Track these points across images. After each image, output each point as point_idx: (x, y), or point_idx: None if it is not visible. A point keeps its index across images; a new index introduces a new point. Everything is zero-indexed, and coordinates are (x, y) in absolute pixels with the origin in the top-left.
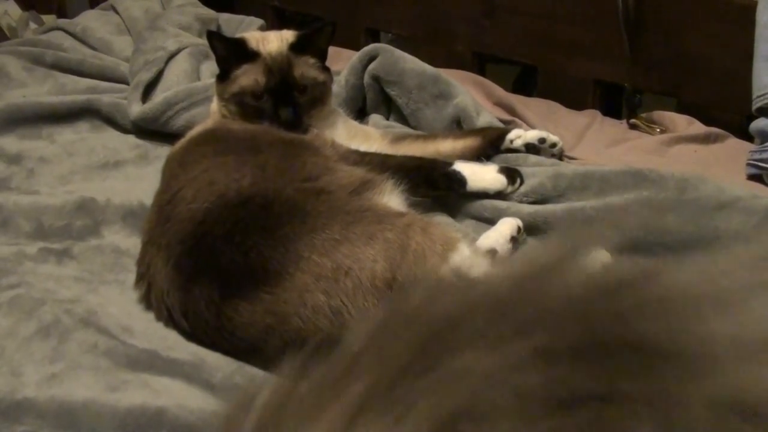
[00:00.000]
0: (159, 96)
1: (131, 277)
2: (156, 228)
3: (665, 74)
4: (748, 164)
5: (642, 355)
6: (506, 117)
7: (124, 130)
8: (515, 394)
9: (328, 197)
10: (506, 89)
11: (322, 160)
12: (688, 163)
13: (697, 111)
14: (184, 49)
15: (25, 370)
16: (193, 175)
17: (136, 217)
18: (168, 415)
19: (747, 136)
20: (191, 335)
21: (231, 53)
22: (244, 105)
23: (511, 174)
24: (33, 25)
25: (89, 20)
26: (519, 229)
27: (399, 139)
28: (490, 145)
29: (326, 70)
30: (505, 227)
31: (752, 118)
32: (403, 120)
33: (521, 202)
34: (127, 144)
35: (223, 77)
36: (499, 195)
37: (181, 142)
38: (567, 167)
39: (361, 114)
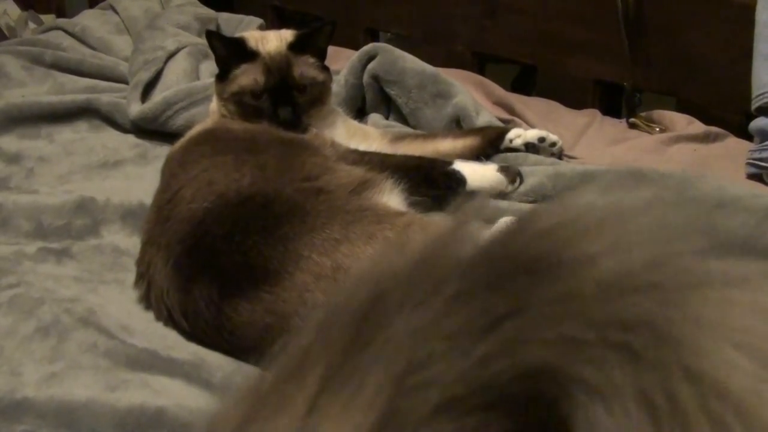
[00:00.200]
0: (158, 95)
1: (131, 276)
2: (155, 227)
3: (665, 73)
4: (748, 163)
5: (539, 271)
6: (506, 116)
7: (123, 129)
8: (445, 337)
9: (328, 197)
10: (505, 89)
11: (322, 160)
12: (688, 163)
13: (696, 110)
14: (183, 48)
15: (25, 369)
16: (193, 174)
17: (136, 217)
18: (168, 415)
19: (746, 136)
20: (191, 335)
21: (230, 53)
22: (244, 104)
23: (511, 173)
24: (32, 25)
25: (88, 20)
26: None
27: (398, 138)
28: (490, 145)
29: (326, 69)
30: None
31: (752, 117)
32: (403, 119)
33: (521, 201)
34: (126, 143)
35: (222, 77)
36: (499, 194)
37: (181, 142)
38: (567, 166)
39: (360, 113)
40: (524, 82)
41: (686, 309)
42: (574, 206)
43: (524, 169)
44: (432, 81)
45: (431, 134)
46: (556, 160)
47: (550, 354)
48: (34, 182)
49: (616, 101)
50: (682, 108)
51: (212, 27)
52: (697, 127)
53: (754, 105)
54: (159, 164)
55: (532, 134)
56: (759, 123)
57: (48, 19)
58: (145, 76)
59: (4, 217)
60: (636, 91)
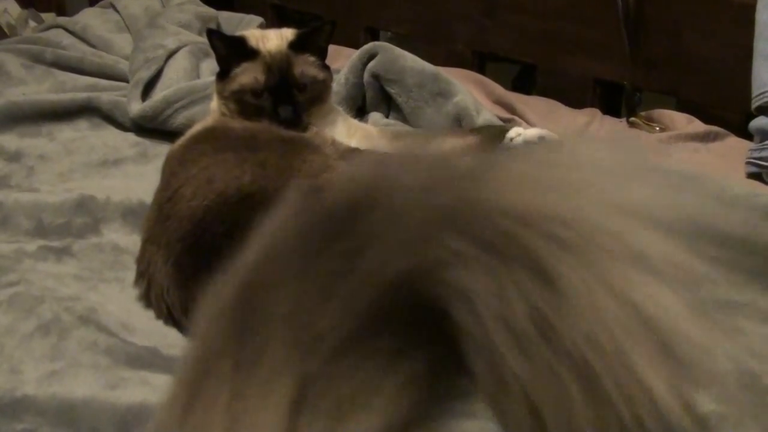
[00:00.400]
0: (159, 94)
1: (131, 275)
2: (156, 226)
3: (665, 73)
4: (748, 162)
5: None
6: (506, 115)
7: (123, 128)
8: (319, 290)
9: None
10: (505, 88)
11: (323, 158)
12: (688, 162)
13: (696, 109)
14: (183, 47)
15: (25, 367)
16: (193, 172)
17: (136, 215)
18: None
19: (746, 135)
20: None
21: (231, 51)
22: (244, 103)
23: None
24: (32, 23)
25: (89, 18)
26: None
27: (399, 137)
28: (490, 144)
29: (326, 68)
30: None
31: (752, 116)
32: (403, 118)
33: None
34: (126, 142)
35: (222, 75)
36: None
37: (181, 140)
38: None
39: (360, 112)
40: (524, 81)
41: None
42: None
43: None
44: (432, 80)
45: (431, 133)
46: None
47: (408, 266)
48: (35, 180)
49: (617, 100)
50: (682, 107)
51: (213, 25)
52: (697, 126)
53: (754, 104)
54: (159, 163)
55: (532, 133)
56: (759, 122)
57: (48, 17)
58: (145, 74)
59: (5, 216)
60: (636, 90)
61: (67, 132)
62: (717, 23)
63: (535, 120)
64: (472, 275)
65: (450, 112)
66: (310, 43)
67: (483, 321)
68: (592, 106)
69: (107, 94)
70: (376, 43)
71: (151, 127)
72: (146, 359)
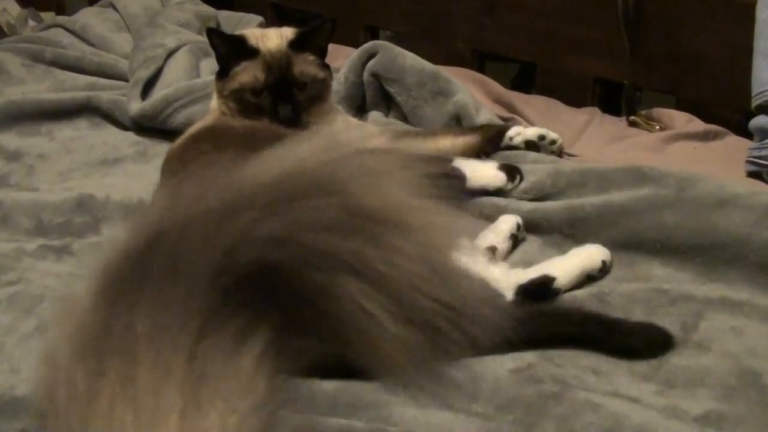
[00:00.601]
0: (158, 93)
1: None
2: None
3: (664, 71)
4: (748, 161)
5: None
6: (506, 114)
7: (123, 127)
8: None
9: None
10: (505, 87)
11: None
12: (687, 161)
13: (696, 108)
14: (183, 46)
15: (24, 366)
16: (192, 170)
17: (136, 214)
18: None
19: (746, 134)
20: None
21: (230, 50)
22: (244, 102)
23: (511, 171)
24: (32, 23)
25: (88, 17)
26: (518, 226)
27: (398, 136)
28: (490, 143)
29: (326, 67)
30: (505, 224)
31: (751, 115)
32: (403, 117)
33: (521, 199)
34: (126, 141)
35: (222, 74)
36: (499, 192)
37: (181, 139)
38: (566, 164)
39: (360, 111)
40: (524, 81)
41: None
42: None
43: (524, 167)
44: (432, 79)
45: (431, 132)
46: (556, 158)
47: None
48: (34, 179)
49: (616, 99)
50: (682, 106)
51: (212, 24)
52: (697, 125)
53: (754, 103)
54: (159, 162)
55: (532, 132)
56: (759, 121)
57: (48, 16)
58: (145, 73)
59: (4, 215)
60: (636, 89)
61: (66, 131)
62: (717, 22)
63: (534, 119)
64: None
65: (450, 111)
66: (310, 41)
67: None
68: (591, 105)
69: (107, 93)
70: (376, 42)
71: (151, 126)
72: None
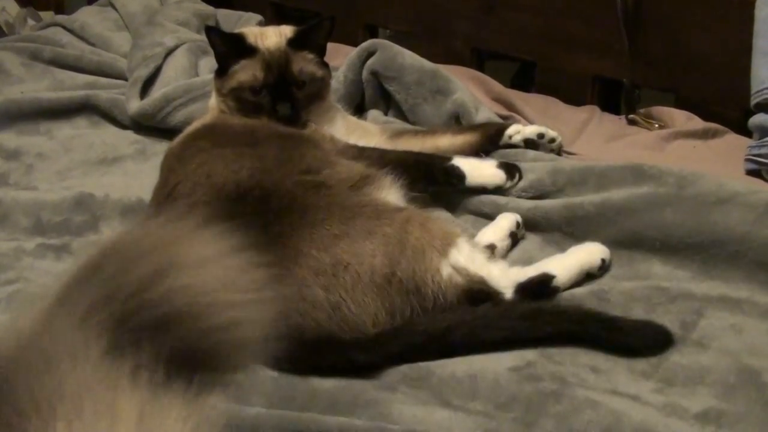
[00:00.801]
0: (157, 92)
1: None
2: None
3: (664, 70)
4: (747, 159)
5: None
6: (505, 113)
7: (122, 126)
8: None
9: (328, 192)
10: (504, 86)
11: (322, 153)
12: (687, 159)
13: (695, 106)
14: (182, 44)
15: None
16: (191, 168)
17: (135, 213)
18: None
19: (746, 132)
20: None
21: (229, 48)
22: (243, 100)
23: (510, 169)
24: (31, 22)
25: (87, 16)
26: (518, 224)
27: (398, 134)
28: (489, 141)
29: (325, 65)
30: (504, 222)
31: (751, 113)
32: (402, 116)
33: (520, 197)
34: (125, 140)
35: (221, 72)
36: (498, 190)
37: (180, 137)
38: (566, 162)
39: (359, 110)
40: (523, 80)
41: None
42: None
43: (523, 165)
44: (431, 77)
45: (430, 130)
46: (556, 156)
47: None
48: (33, 178)
49: (616, 97)
50: (682, 104)
51: (211, 23)
52: (697, 123)
53: (753, 101)
54: (158, 160)
55: (531, 130)
56: (758, 119)
57: (47, 16)
58: (144, 72)
59: (3, 213)
60: (635, 88)
61: (65, 130)
62: (716, 20)
63: (534, 117)
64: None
65: (449, 110)
66: (309, 40)
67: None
68: (591, 103)
69: (106, 92)
70: (375, 40)
71: (150, 125)
72: None
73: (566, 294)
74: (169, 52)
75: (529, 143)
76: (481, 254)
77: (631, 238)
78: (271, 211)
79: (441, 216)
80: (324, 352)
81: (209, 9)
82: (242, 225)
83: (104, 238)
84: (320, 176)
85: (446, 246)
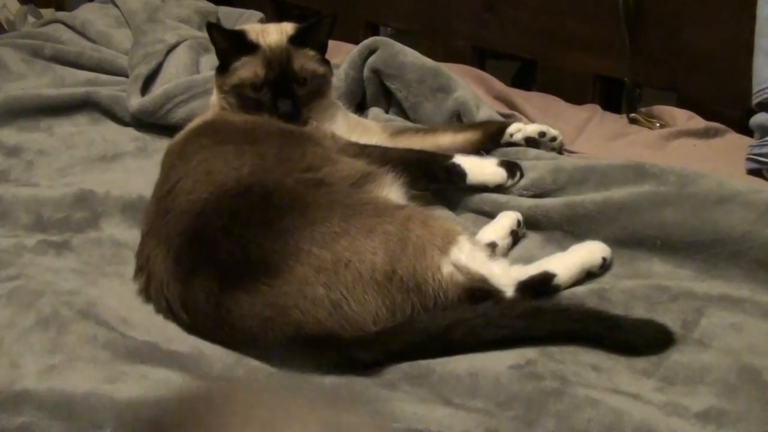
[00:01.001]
0: (158, 89)
1: (130, 269)
2: (155, 220)
3: (665, 69)
4: (748, 159)
5: None
6: (506, 111)
7: (123, 122)
8: None
9: (329, 189)
10: (505, 85)
11: (323, 151)
12: (688, 158)
13: (696, 106)
14: (183, 41)
15: (24, 361)
16: (192, 165)
17: (136, 210)
18: None
19: (747, 131)
20: (190, 327)
21: (230, 45)
22: (244, 97)
23: (511, 167)
24: (31, 19)
25: (88, 13)
26: (519, 222)
27: (399, 132)
28: (490, 139)
29: (326, 63)
30: (505, 220)
31: (752, 112)
32: (403, 113)
33: (521, 195)
34: (126, 136)
35: (222, 69)
36: (499, 188)
37: (181, 134)
38: (567, 161)
39: (360, 107)
40: (524, 79)
41: None
42: None
43: (524, 164)
44: (432, 75)
45: (431, 128)
46: (557, 155)
47: None
48: (34, 175)
49: (617, 96)
50: (683, 103)
51: (212, 20)
52: (698, 122)
53: (755, 100)
54: (159, 157)
55: (532, 129)
56: (759, 118)
57: (47, 13)
58: (145, 69)
59: (4, 210)
60: (636, 87)
61: (66, 126)
62: (717, 19)
63: (535, 116)
64: None
65: (450, 108)
66: (311, 37)
67: None
68: (592, 102)
69: (107, 88)
70: (377, 38)
71: (151, 122)
72: (145, 353)
73: (567, 292)
74: (171, 49)
75: (531, 142)
76: (482, 252)
77: (632, 236)
78: (272, 208)
79: (442, 214)
80: (325, 349)
81: (210, 6)
82: (243, 222)
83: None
84: (321, 174)
85: (447, 244)
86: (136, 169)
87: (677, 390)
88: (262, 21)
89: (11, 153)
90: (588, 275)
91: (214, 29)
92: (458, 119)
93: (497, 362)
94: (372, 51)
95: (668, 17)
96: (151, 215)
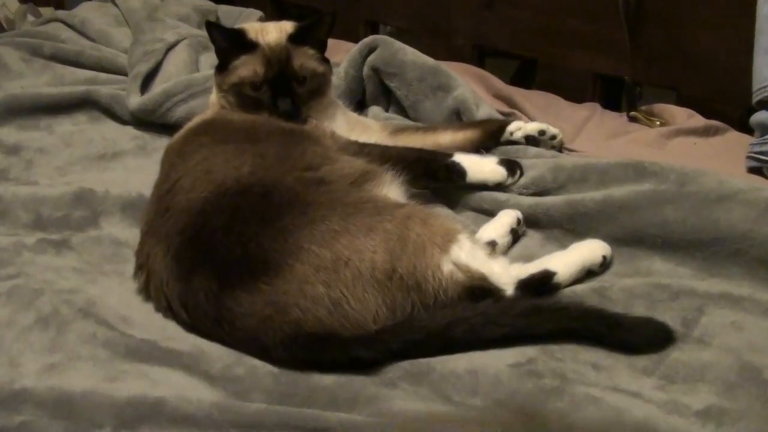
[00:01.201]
0: (158, 87)
1: (130, 267)
2: (155, 219)
3: (665, 67)
4: (748, 157)
5: None
6: (506, 109)
7: (122, 121)
8: None
9: (328, 188)
10: (505, 83)
11: (323, 150)
12: (688, 156)
13: (697, 104)
14: (182, 40)
15: (24, 360)
16: (192, 164)
17: (135, 208)
18: (167, 406)
19: (747, 129)
20: (190, 326)
21: (230, 44)
22: (243, 96)
23: (511, 166)
24: (31, 18)
25: (87, 12)
26: (519, 220)
27: (398, 130)
28: (490, 137)
29: (326, 61)
30: (505, 219)
31: (752, 110)
32: (403, 112)
33: (521, 194)
34: (125, 135)
35: (221, 68)
36: (499, 187)
37: (180, 133)
38: (567, 159)
39: (360, 106)
40: (524, 77)
41: None
42: None
43: (524, 162)
44: (432, 73)
45: (431, 127)
46: (557, 153)
47: None
48: (33, 174)
49: (617, 95)
50: (683, 102)
51: (212, 19)
52: (698, 120)
53: (755, 99)
54: (158, 156)
55: (532, 127)
56: (759, 117)
57: (47, 11)
58: (144, 67)
59: (3, 209)
60: (636, 85)
61: (65, 125)
62: (718, 18)
63: (535, 114)
64: None
65: (450, 106)
66: (310, 35)
67: None
68: (592, 100)
69: (106, 87)
70: (377, 36)
71: (151, 121)
72: (145, 352)
73: (567, 291)
74: (170, 48)
75: (531, 140)
76: (482, 251)
77: (632, 235)
78: (272, 207)
79: (442, 212)
80: (324, 348)
81: (210, 5)
82: (243, 220)
83: None
84: (321, 172)
85: (447, 242)
86: (136, 167)
87: (677, 388)
88: (261, 19)
89: (11, 152)
90: (588, 273)
91: (214, 28)
92: (458, 118)
93: (497, 360)
94: (372, 49)
95: (668, 16)
96: (151, 214)
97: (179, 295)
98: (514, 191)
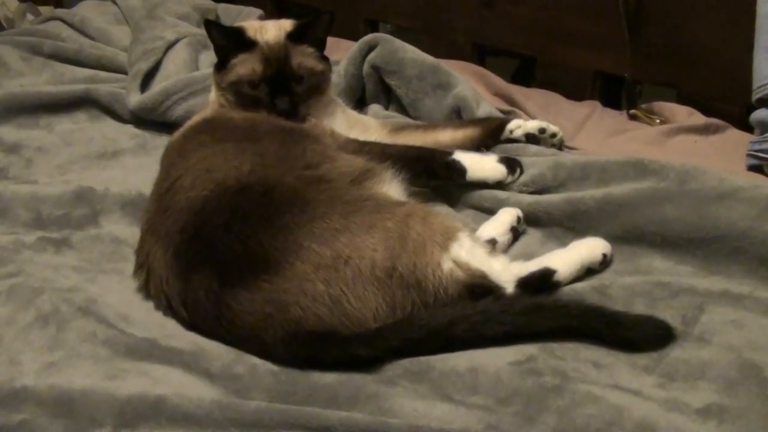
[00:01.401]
0: (157, 86)
1: (130, 266)
2: (155, 217)
3: (665, 65)
4: (748, 155)
5: None
6: (506, 107)
7: (122, 119)
8: None
9: (328, 186)
10: (505, 81)
11: (322, 148)
12: (688, 154)
13: (697, 102)
14: (182, 38)
15: (24, 358)
16: (192, 162)
17: (135, 207)
18: (167, 404)
19: (747, 127)
20: (190, 324)
21: (228, 42)
22: (241, 94)
23: (511, 164)
24: (30, 16)
25: (87, 10)
26: (519, 219)
27: (398, 129)
28: (490, 135)
29: (325, 59)
30: (505, 217)
31: (752, 108)
32: (403, 110)
33: (521, 192)
34: (125, 134)
35: (220, 66)
36: (499, 185)
37: (180, 131)
38: (567, 157)
39: (360, 104)
40: (524, 75)
41: None
42: None
43: (524, 160)
44: (432, 72)
45: (431, 125)
46: (557, 151)
47: None
48: (33, 172)
49: (617, 93)
50: (683, 99)
51: (211, 17)
52: (698, 118)
53: (755, 96)
54: (158, 154)
55: (532, 125)
56: (759, 115)
57: (46, 10)
58: (144, 66)
59: (3, 207)
60: (636, 83)
61: (65, 124)
62: (718, 15)
63: (535, 112)
64: None
65: (450, 104)
66: (309, 34)
67: None
68: (592, 98)
69: (106, 85)
70: (376, 34)
71: (150, 119)
72: (145, 350)
73: (567, 289)
74: (170, 46)
75: (531, 138)
76: (482, 249)
77: (632, 233)
78: (272, 205)
79: (442, 210)
80: (325, 346)
81: (209, 3)
82: (243, 219)
83: None
84: (321, 171)
85: (447, 240)
86: (136, 166)
87: (678, 386)
88: (261, 18)
89: (10, 150)
90: (588, 271)
91: (212, 26)
92: (458, 116)
93: (497, 358)
94: (372, 47)
95: (668, 14)
96: (151, 212)
97: (179, 294)
98: (514, 189)
